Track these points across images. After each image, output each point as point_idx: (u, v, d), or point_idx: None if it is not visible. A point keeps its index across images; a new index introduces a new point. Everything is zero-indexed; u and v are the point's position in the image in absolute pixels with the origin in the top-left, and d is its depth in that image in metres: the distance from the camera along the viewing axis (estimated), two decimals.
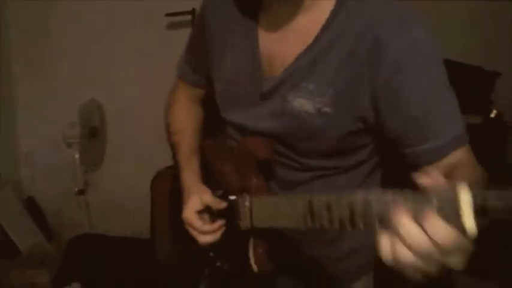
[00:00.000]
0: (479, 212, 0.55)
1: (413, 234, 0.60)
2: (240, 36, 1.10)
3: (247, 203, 1.05)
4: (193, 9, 2.39)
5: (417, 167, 0.87)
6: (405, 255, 0.61)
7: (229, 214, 1.12)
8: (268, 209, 0.98)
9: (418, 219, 0.60)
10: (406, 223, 0.61)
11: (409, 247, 0.60)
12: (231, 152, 1.19)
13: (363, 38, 0.91)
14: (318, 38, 0.97)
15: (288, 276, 1.21)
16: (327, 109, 0.97)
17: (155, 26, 2.61)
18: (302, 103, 0.99)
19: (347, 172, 1.09)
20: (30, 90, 2.74)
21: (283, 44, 1.03)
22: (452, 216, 0.57)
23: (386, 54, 0.89)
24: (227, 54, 1.13)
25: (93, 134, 2.65)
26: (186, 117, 1.35)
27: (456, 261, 0.61)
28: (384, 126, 0.95)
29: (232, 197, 1.12)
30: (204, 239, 1.16)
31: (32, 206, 2.77)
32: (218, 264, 1.21)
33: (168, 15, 2.52)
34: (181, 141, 1.31)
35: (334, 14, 0.95)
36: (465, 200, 0.56)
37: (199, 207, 1.17)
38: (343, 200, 0.74)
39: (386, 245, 0.63)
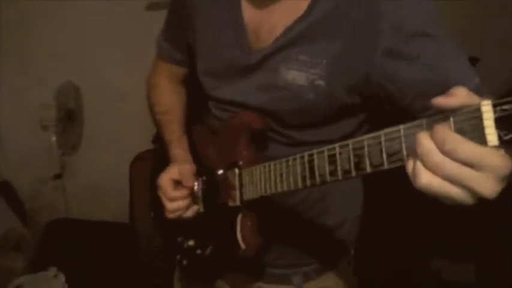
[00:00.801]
0: (502, 122, 0.50)
1: (433, 155, 0.54)
2: (222, 8, 1.06)
3: (236, 176, 1.04)
4: None
5: None
6: (429, 180, 0.55)
7: (216, 192, 1.11)
8: (260, 177, 0.96)
9: (434, 135, 0.54)
10: (423, 142, 0.54)
11: (431, 170, 0.54)
12: (218, 132, 1.17)
13: (356, 8, 0.89)
14: (309, 8, 0.94)
15: (275, 251, 1.21)
16: (320, 82, 0.94)
17: (134, 6, 2.55)
18: (295, 75, 0.96)
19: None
20: (4, 72, 2.66)
21: (271, 15, 1.00)
22: (472, 129, 0.52)
23: (383, 22, 0.87)
24: (209, 28, 1.09)
25: (69, 116, 2.60)
26: (172, 98, 1.32)
27: (486, 185, 0.52)
28: (390, 95, 0.91)
29: (220, 172, 1.11)
30: (171, 206, 1.15)
31: (7, 190, 2.72)
32: (198, 252, 1.20)
33: None
34: (171, 120, 1.29)
35: None
36: (486, 109, 0.51)
37: (176, 176, 1.16)
38: (348, 147, 0.70)
39: (408, 170, 0.58)
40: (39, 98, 2.56)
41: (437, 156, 0.53)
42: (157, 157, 1.38)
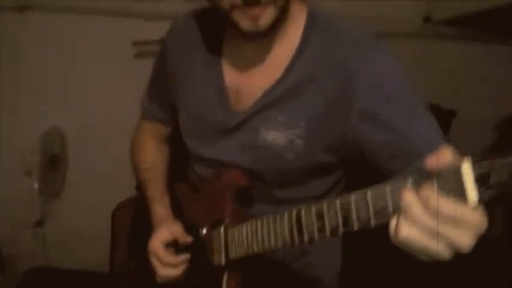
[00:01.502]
0: (481, 180, 0.53)
1: (414, 207, 0.57)
2: (204, 70, 1.10)
3: (222, 235, 1.04)
4: (162, 39, 2.39)
5: None
6: (409, 231, 0.57)
7: (200, 251, 1.11)
8: (247, 235, 0.96)
9: (419, 195, 0.57)
10: (408, 198, 0.58)
11: (412, 222, 0.57)
12: (201, 190, 1.18)
13: (333, 69, 0.93)
14: (288, 71, 0.98)
15: None
16: (299, 141, 0.98)
17: (122, 54, 2.60)
18: (274, 136, 1.00)
19: None
20: None
21: (251, 77, 1.04)
22: (453, 188, 0.55)
23: (357, 86, 0.91)
24: (191, 89, 1.12)
25: (53, 162, 2.59)
26: (156, 156, 1.35)
27: (463, 240, 0.55)
28: (366, 156, 0.95)
29: (204, 231, 1.11)
30: (165, 272, 1.15)
31: None
32: None
33: (135, 43, 2.51)
34: (153, 178, 1.31)
35: (302, 46, 0.97)
36: (465, 168, 0.54)
37: (167, 238, 1.16)
38: (335, 204, 0.72)
39: (392, 223, 0.60)
40: (23, 143, 2.56)
41: (418, 209, 0.56)
42: (140, 206, 1.37)
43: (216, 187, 1.11)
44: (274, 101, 1.00)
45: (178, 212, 1.25)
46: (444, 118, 2.65)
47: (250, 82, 1.04)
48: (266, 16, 0.89)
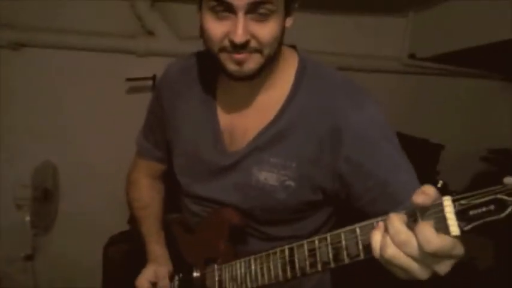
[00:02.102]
0: (461, 214, 0.59)
1: (403, 234, 0.63)
2: (198, 111, 1.13)
3: (216, 273, 1.06)
4: (154, 76, 2.43)
5: None
6: (392, 250, 0.64)
7: None
8: (240, 272, 0.99)
9: (408, 225, 0.64)
10: (396, 224, 0.64)
11: (398, 246, 0.64)
12: (195, 228, 1.20)
13: (323, 116, 0.99)
14: (279, 114, 1.03)
15: None
16: (290, 182, 1.02)
17: (114, 90, 2.64)
18: (266, 176, 1.04)
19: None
20: None
21: (244, 119, 1.08)
22: (436, 221, 0.61)
23: (345, 133, 0.96)
24: (186, 129, 1.16)
25: (45, 196, 2.58)
26: (150, 193, 1.37)
27: (443, 267, 0.64)
28: (350, 197, 1.00)
29: (197, 270, 1.13)
30: None
31: None
32: None
33: (128, 80, 2.55)
34: (148, 215, 1.34)
35: (293, 91, 1.02)
36: (447, 205, 0.60)
37: (152, 278, 1.22)
38: (326, 241, 0.78)
39: (377, 242, 0.67)
40: (15, 176, 2.56)
41: (405, 235, 0.63)
42: (132, 241, 1.39)
43: (209, 225, 1.14)
44: (266, 143, 1.04)
45: (172, 249, 1.27)
46: (433, 152, 2.71)
47: (243, 124, 1.08)
48: (252, 62, 0.94)
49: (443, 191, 0.63)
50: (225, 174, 1.10)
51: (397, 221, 0.65)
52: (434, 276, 0.65)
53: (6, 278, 2.71)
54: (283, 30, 0.96)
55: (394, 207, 0.92)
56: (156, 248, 1.28)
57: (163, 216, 1.36)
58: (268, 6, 0.89)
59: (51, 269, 2.74)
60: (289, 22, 0.98)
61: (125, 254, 1.41)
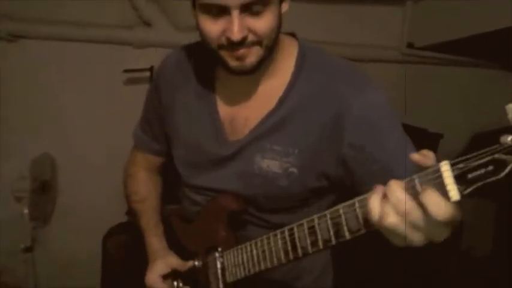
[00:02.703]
0: (459, 178, 0.59)
1: (406, 204, 0.63)
2: (197, 102, 1.13)
3: (217, 260, 1.07)
4: (152, 67, 2.42)
5: None
6: (393, 219, 0.64)
7: (197, 280, 1.13)
8: (242, 258, 0.99)
9: (409, 192, 0.64)
10: (398, 193, 0.64)
11: (399, 212, 0.64)
12: (195, 217, 1.20)
13: (324, 102, 0.98)
14: (280, 102, 1.02)
15: None
16: (293, 169, 1.02)
17: (112, 81, 2.63)
18: (269, 164, 1.03)
19: None
20: None
21: (244, 108, 1.07)
22: (435, 187, 0.61)
23: (347, 119, 0.96)
24: (185, 121, 1.15)
25: (44, 188, 2.58)
26: (148, 187, 1.37)
27: (444, 233, 0.65)
28: (354, 183, 1.00)
29: (199, 259, 1.13)
30: None
31: None
32: None
33: (126, 71, 2.55)
34: (146, 209, 1.34)
35: (294, 79, 1.02)
36: (445, 169, 0.60)
37: (164, 271, 1.20)
38: (326, 218, 0.77)
39: (375, 207, 0.67)
40: (13, 169, 2.56)
41: (409, 204, 0.63)
42: (131, 232, 1.39)
43: (208, 214, 1.14)
44: (268, 130, 1.03)
45: (172, 241, 1.27)
46: (431, 141, 2.70)
47: (244, 113, 1.08)
48: (252, 56, 0.94)
49: None
50: (227, 163, 1.10)
51: (398, 190, 0.65)
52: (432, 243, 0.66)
53: (6, 270, 2.72)
54: (280, 18, 0.96)
55: None
56: (154, 240, 1.28)
57: (162, 209, 1.36)
58: (262, 2, 0.89)
59: (51, 261, 2.74)
60: (285, 7, 0.97)
61: (123, 245, 1.41)
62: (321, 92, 0.99)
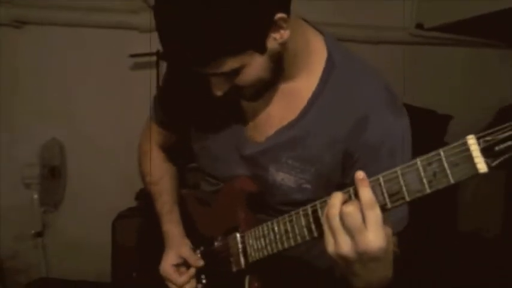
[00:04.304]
0: (486, 150, 0.60)
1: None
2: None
3: (239, 240, 1.06)
4: (158, 51, 2.41)
5: None
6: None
7: (217, 261, 1.13)
8: (264, 237, 0.98)
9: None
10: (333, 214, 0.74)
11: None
12: (212, 200, 1.20)
13: (346, 121, 0.97)
14: (303, 113, 1.01)
15: None
16: (307, 185, 1.02)
17: (119, 66, 2.62)
18: (284, 177, 1.04)
19: None
20: None
21: (268, 106, 1.06)
22: (462, 160, 0.61)
23: (364, 135, 0.95)
24: (209, 114, 1.14)
25: (53, 173, 2.60)
26: (162, 167, 1.35)
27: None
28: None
29: (218, 241, 1.13)
30: None
31: None
32: None
33: (132, 56, 2.54)
34: (161, 191, 1.31)
35: (320, 89, 0.99)
36: (472, 142, 0.61)
37: (176, 261, 1.19)
38: (349, 192, 0.78)
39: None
40: (22, 155, 2.58)
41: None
42: (140, 217, 1.38)
43: (226, 196, 1.14)
44: (285, 143, 1.02)
45: (189, 224, 1.25)
46: (441, 123, 2.68)
47: (266, 114, 1.06)
48: (248, 91, 0.96)
49: None
50: (243, 162, 1.11)
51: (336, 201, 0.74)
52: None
53: (18, 255, 2.75)
54: (275, 55, 0.92)
55: None
56: (170, 227, 1.25)
57: (177, 191, 1.33)
58: (233, 67, 0.87)
59: (61, 245, 2.77)
60: (284, 36, 0.89)
61: (133, 230, 1.41)
62: (345, 110, 0.97)
